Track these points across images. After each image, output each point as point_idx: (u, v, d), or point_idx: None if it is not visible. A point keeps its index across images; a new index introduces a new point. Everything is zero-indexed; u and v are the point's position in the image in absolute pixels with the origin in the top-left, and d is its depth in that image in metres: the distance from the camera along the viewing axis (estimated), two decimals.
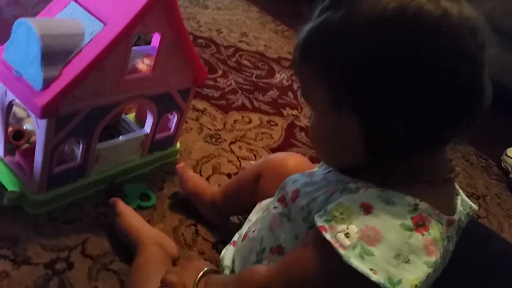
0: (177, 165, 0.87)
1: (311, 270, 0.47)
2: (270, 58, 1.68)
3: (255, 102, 1.35)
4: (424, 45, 0.42)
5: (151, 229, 0.74)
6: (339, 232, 0.44)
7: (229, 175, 1.00)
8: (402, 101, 0.44)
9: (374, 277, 0.42)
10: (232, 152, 1.08)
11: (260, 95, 1.39)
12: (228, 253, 0.68)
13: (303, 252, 0.49)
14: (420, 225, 0.44)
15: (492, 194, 1.42)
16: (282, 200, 0.61)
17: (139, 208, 0.82)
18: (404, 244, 0.44)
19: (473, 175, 1.48)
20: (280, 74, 1.59)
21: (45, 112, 0.63)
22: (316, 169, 0.63)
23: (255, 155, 1.10)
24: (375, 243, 0.43)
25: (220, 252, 0.73)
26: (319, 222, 0.46)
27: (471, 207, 0.54)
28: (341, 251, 0.44)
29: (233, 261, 0.66)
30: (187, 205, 0.87)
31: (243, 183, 0.80)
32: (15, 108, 0.80)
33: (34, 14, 0.84)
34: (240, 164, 1.05)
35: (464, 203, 0.54)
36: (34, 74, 0.63)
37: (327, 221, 0.46)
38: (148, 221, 0.79)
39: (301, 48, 0.49)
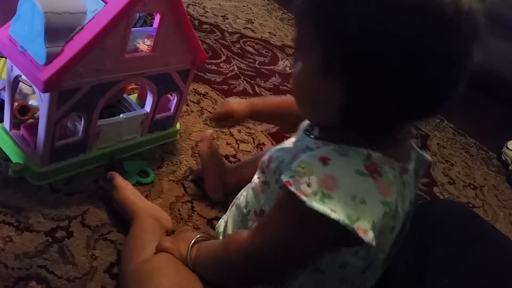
0: (205, 132, 0.90)
1: (281, 223, 0.52)
2: (274, 45, 1.69)
3: (256, 88, 1.37)
4: (428, 35, 0.43)
5: (146, 202, 0.77)
6: (302, 183, 0.48)
7: (226, 157, 1.02)
8: (392, 84, 0.46)
9: (334, 215, 0.46)
10: (231, 135, 1.11)
11: (262, 81, 1.41)
12: (223, 222, 0.72)
13: (275, 211, 0.54)
14: (373, 171, 0.48)
15: (489, 185, 1.43)
16: (261, 170, 0.64)
17: (138, 184, 0.85)
18: (359, 187, 0.47)
19: (471, 166, 1.49)
20: (284, 62, 1.60)
21: (48, 86, 0.66)
22: (292, 139, 0.66)
23: (253, 139, 1.13)
24: (333, 188, 0.47)
25: (214, 228, 0.77)
26: (285, 179, 0.50)
27: (425, 159, 0.59)
28: (304, 198, 0.47)
29: (224, 226, 0.69)
30: (184, 183, 0.90)
31: (258, 160, 0.82)
32: (21, 85, 0.83)
33: None
34: (238, 147, 1.08)
35: (420, 155, 0.58)
36: (37, 49, 0.66)
37: (292, 176, 0.49)
38: (146, 197, 0.82)
39: (310, 1, 0.49)
